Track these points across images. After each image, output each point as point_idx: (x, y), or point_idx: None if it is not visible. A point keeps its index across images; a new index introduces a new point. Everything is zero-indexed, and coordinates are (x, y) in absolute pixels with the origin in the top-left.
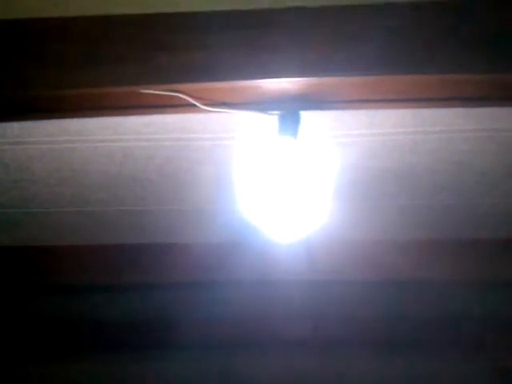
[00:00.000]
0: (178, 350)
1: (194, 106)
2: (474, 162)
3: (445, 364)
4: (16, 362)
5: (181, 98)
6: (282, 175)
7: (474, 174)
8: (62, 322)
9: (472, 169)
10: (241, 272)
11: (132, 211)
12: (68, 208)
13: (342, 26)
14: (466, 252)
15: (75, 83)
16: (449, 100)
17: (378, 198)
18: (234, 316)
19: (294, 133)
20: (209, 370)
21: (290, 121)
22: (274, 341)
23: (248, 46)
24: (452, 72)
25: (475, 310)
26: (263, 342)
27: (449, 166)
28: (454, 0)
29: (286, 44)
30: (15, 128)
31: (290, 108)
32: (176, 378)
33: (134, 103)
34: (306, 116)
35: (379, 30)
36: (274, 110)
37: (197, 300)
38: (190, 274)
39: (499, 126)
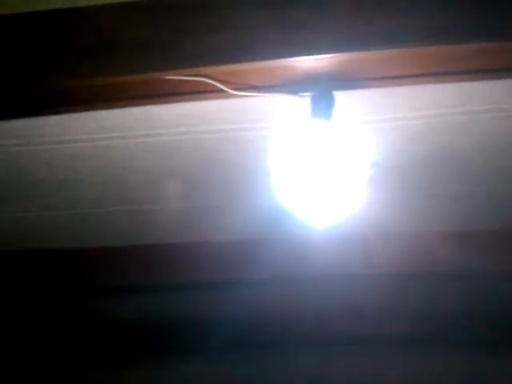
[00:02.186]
0: (205, 351)
1: (222, 90)
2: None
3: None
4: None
5: (207, 82)
6: (317, 160)
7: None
8: (92, 325)
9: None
10: (274, 268)
11: (174, 209)
12: (114, 208)
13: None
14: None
15: (97, 72)
16: (498, 71)
17: (421, 187)
18: (270, 314)
19: (328, 115)
20: (241, 371)
21: (322, 102)
22: (311, 339)
23: (275, 24)
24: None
25: None
26: (299, 340)
27: (505, 147)
28: None
29: (314, 21)
30: (53, 126)
31: (322, 89)
32: (203, 379)
33: (159, 91)
34: (341, 97)
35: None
36: (305, 91)
37: (234, 299)
38: (227, 272)
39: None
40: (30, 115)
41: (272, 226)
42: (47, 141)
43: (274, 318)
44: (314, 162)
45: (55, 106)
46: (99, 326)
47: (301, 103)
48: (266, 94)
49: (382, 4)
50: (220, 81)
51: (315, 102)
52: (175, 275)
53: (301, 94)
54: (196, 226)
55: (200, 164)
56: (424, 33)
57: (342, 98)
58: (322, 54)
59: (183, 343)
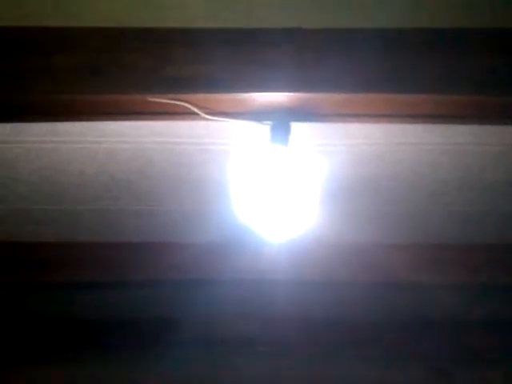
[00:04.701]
0: (170, 348)
1: (195, 114)
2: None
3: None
4: (13, 362)
5: (185, 106)
6: (274, 180)
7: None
8: (55, 320)
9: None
10: (225, 271)
11: (108, 210)
12: (46, 205)
13: (329, 47)
14: (431, 255)
15: (87, 89)
16: (415, 117)
17: (355, 203)
18: (226, 315)
19: (285, 141)
20: (203, 368)
21: (281, 130)
22: (262, 341)
23: (246, 61)
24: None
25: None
26: (251, 341)
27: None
28: (427, 30)
29: (278, 61)
30: (7, 128)
31: (281, 119)
32: (170, 376)
33: (141, 110)
34: (296, 127)
35: (364, 52)
36: (267, 120)
37: (187, 299)
38: (172, 272)
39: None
40: None
41: (234, 233)
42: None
43: (221, 318)
44: (271, 182)
45: (24, 115)
46: (54, 322)
47: (262, 130)
48: (234, 120)
49: (337, 56)
50: (195, 106)
51: (274, 130)
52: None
53: (263, 122)
54: (126, 227)
55: (139, 170)
56: (363, 83)
57: (298, 127)
58: (283, 91)
59: (134, 341)
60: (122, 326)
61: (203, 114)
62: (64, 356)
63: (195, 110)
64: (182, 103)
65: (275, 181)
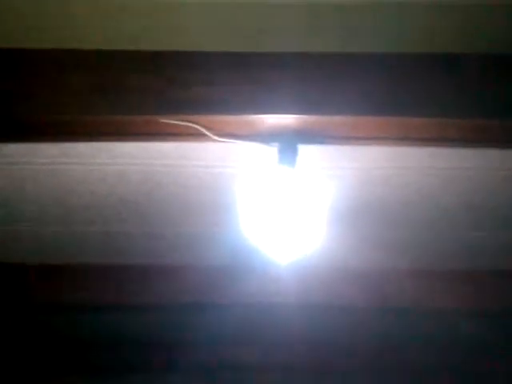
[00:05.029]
0: (172, 371)
1: (204, 135)
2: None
3: None
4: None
5: (194, 127)
6: (281, 201)
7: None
8: (58, 343)
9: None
10: (236, 295)
11: (117, 233)
12: (54, 227)
13: (336, 71)
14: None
15: (97, 110)
16: (420, 140)
17: (361, 227)
18: (231, 338)
19: (292, 163)
20: None
21: (288, 152)
22: (267, 364)
23: (255, 84)
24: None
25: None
26: (257, 364)
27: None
28: (431, 54)
29: (287, 84)
30: (16, 148)
31: (288, 141)
32: None
33: (151, 131)
34: (304, 149)
35: (370, 75)
36: (274, 142)
37: (191, 322)
38: (178, 296)
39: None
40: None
41: (241, 255)
42: (3, 161)
43: (227, 341)
44: (278, 202)
45: (35, 136)
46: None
47: (270, 152)
48: (242, 142)
49: (343, 81)
50: (205, 127)
51: (282, 151)
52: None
53: (271, 144)
54: (140, 250)
55: (147, 193)
56: (370, 106)
57: (305, 149)
58: (290, 114)
59: (120, 362)
60: (128, 348)
61: (212, 136)
62: (63, 378)
63: (204, 131)
64: (191, 124)
65: (282, 202)
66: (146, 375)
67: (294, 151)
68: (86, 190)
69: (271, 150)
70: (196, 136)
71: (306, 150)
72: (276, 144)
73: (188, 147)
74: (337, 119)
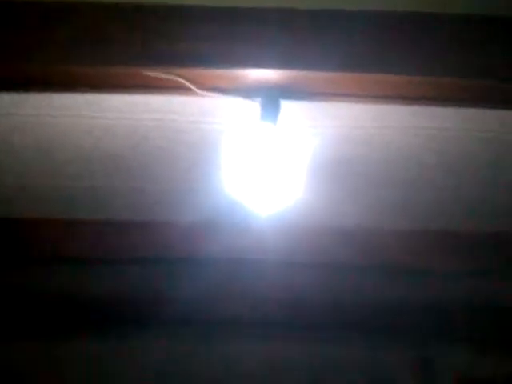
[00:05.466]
0: (152, 325)
1: (189, 89)
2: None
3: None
4: (13, 338)
5: (178, 81)
6: (263, 157)
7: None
8: (46, 298)
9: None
10: (218, 251)
11: (102, 187)
12: (40, 181)
13: (320, 27)
14: (405, 241)
15: (81, 60)
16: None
17: (342, 184)
18: (208, 293)
19: (274, 119)
20: (183, 347)
21: (270, 108)
22: (249, 319)
23: (239, 39)
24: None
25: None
26: (238, 319)
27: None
28: (416, 13)
29: (271, 39)
30: (5, 100)
31: (271, 96)
32: (151, 354)
33: (136, 83)
34: (287, 106)
35: (351, 32)
36: (257, 97)
37: (173, 277)
38: (162, 251)
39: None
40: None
41: (221, 211)
42: None
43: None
44: (259, 158)
45: (22, 86)
46: (46, 299)
47: (253, 108)
48: (226, 96)
49: (325, 36)
50: (189, 81)
51: (264, 106)
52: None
53: (254, 98)
54: (126, 205)
55: (133, 147)
56: (350, 62)
57: (288, 106)
58: (272, 68)
59: (102, 317)
60: (105, 302)
61: (196, 89)
62: (60, 332)
63: (188, 84)
64: (175, 77)
65: (264, 158)
66: (122, 330)
67: (277, 107)
68: (72, 144)
69: (254, 106)
70: (180, 89)
71: (288, 107)
72: (259, 99)
73: (174, 102)
74: (319, 75)
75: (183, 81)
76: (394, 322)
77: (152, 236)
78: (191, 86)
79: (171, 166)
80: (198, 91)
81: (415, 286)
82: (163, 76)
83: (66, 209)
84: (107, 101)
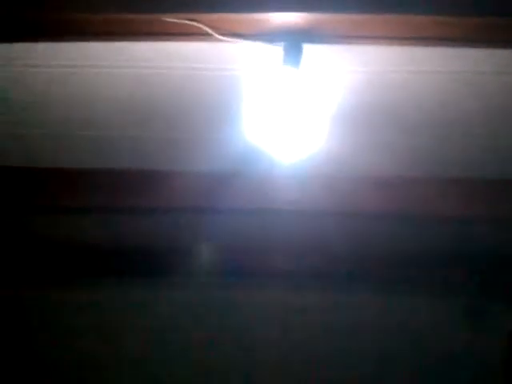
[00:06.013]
0: (170, 276)
1: (209, 35)
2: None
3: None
4: (8, 286)
5: (199, 27)
6: (284, 103)
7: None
8: (57, 246)
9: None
10: (239, 200)
11: (136, 137)
12: (77, 131)
13: None
14: (446, 189)
15: (102, 7)
16: (435, 40)
17: (367, 132)
18: (230, 244)
19: (297, 63)
20: (205, 297)
21: (293, 51)
22: (268, 269)
23: None
24: (438, 13)
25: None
26: (258, 270)
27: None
28: None
29: None
30: (39, 51)
31: (293, 40)
32: (170, 303)
33: (155, 30)
34: (309, 49)
35: None
36: (279, 41)
37: (193, 226)
38: (187, 200)
39: (482, 69)
40: (24, 40)
41: (242, 160)
42: (28, 63)
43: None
44: (282, 104)
45: (51, 35)
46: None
47: (275, 52)
48: (247, 41)
49: None
50: (208, 26)
51: (286, 51)
52: (139, 200)
53: (275, 43)
54: (154, 155)
55: (170, 98)
56: (376, 2)
57: (311, 49)
58: (294, 11)
59: (142, 267)
60: (122, 252)
61: (217, 35)
62: (75, 280)
63: (209, 30)
64: (195, 23)
65: (287, 104)
66: (134, 280)
67: (299, 50)
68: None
69: (276, 51)
70: (200, 36)
71: (311, 51)
72: (281, 44)
73: (193, 48)
74: (342, 17)
75: (204, 27)
76: (411, 269)
77: (175, 186)
78: (212, 32)
79: (191, 115)
80: (219, 37)
81: (444, 235)
82: (183, 22)
83: (92, 158)
84: (122, 48)
